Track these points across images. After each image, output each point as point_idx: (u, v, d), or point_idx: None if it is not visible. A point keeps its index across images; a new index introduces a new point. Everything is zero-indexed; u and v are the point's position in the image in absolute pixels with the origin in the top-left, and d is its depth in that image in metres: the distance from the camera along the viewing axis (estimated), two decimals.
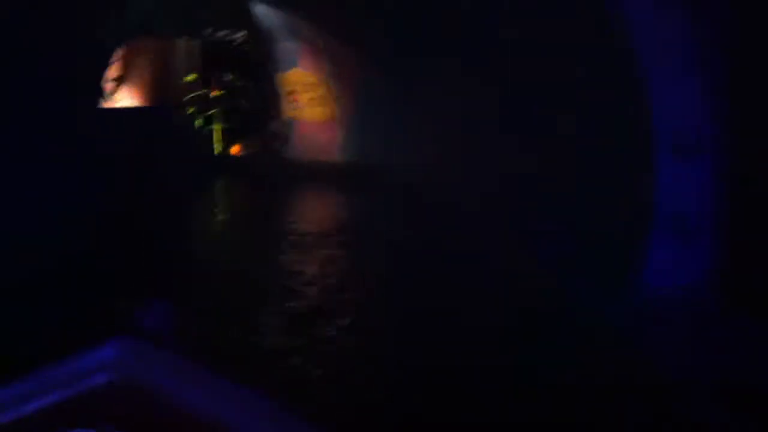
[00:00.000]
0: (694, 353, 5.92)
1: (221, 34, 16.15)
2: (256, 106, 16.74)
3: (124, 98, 19.16)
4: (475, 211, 10.58)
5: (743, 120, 6.88)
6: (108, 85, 19.09)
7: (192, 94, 17.37)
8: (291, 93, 16.17)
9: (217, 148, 17.43)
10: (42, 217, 8.76)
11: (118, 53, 18.97)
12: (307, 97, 15.96)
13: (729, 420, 4.79)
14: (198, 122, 17.42)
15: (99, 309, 5.73)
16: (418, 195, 12.17)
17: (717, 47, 6.99)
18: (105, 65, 11.34)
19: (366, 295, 7.50)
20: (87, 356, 1.92)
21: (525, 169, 9.79)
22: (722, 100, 7.06)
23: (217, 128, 17.39)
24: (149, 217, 11.20)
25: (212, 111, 17.34)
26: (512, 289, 7.36)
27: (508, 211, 9.71)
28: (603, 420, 4.65)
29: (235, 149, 17.63)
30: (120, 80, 19.02)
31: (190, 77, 17.35)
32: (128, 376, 1.89)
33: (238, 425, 1.86)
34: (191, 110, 17.46)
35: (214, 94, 17.29)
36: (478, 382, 5.13)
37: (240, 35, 16.07)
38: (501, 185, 10.17)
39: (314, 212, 13.02)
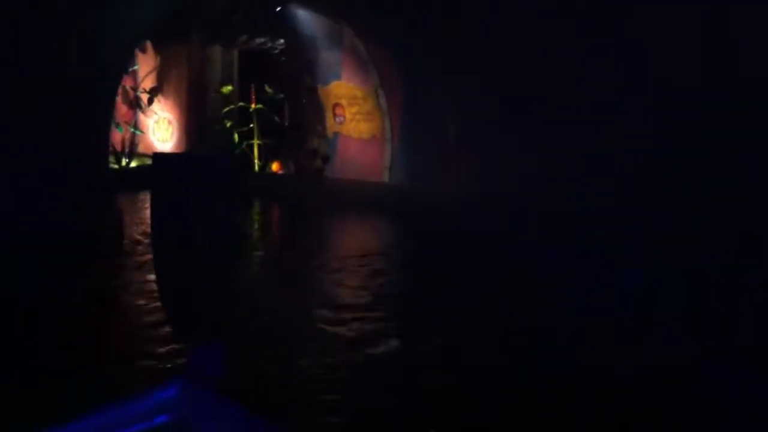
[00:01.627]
0: None
1: (258, 41, 14.69)
2: (296, 120, 15.25)
3: (160, 110, 18.00)
4: (548, 246, 8.76)
5: None
6: (143, 97, 17.98)
7: (228, 108, 15.98)
8: (334, 107, 14.63)
9: (256, 165, 16.01)
10: None
11: (155, 62, 17.85)
12: (352, 112, 14.38)
13: None
14: (235, 137, 16.04)
15: None
16: (473, 226, 10.47)
17: None
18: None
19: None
20: (147, 398, 1.98)
21: (627, 197, 8.09)
22: None
23: (255, 144, 15.99)
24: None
25: (250, 126, 15.93)
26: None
27: (598, 251, 7.92)
28: None
29: (275, 167, 16.18)
30: (155, 92, 17.86)
31: (226, 89, 15.98)
32: (186, 419, 1.93)
33: None
34: (228, 124, 16.09)
35: (253, 107, 15.87)
36: None
37: (278, 44, 14.60)
38: (588, 217, 8.35)
39: (357, 241, 11.36)
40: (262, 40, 14.50)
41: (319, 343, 5.83)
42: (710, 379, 5.14)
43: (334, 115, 14.67)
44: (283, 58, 14.68)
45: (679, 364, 5.29)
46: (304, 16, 13.55)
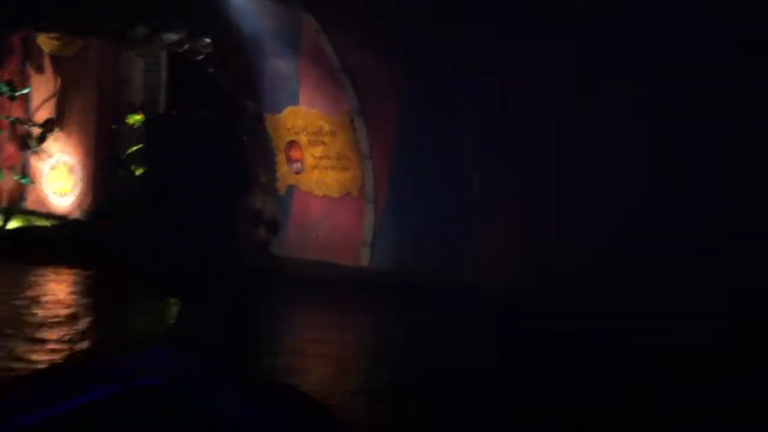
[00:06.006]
0: None
1: (168, 39, 9.52)
2: (234, 168, 10.06)
3: (59, 152, 12.96)
4: None
5: None
6: (35, 132, 13.00)
7: (137, 147, 10.87)
8: (289, 147, 9.56)
9: None
10: None
11: (54, 85, 12.97)
12: (315, 155, 9.37)
13: None
14: None
15: None
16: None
17: None
18: None
19: None
20: (134, 358, 2.07)
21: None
22: None
23: None
24: None
25: None
26: None
27: None
28: None
29: None
30: (50, 125, 12.87)
31: (133, 119, 10.89)
32: (172, 380, 1.95)
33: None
34: (138, 171, 10.93)
35: None
36: None
37: (202, 44, 9.51)
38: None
39: (324, 363, 6.20)
40: (173, 37, 9.35)
41: None
42: None
43: (289, 159, 9.60)
44: (210, 69, 9.56)
45: None
46: (240, 1, 8.50)
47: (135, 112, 11.04)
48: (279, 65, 9.14)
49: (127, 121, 10.91)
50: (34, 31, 11.53)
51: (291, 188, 9.67)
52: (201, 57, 9.60)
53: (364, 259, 8.91)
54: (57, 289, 8.83)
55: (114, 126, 11.00)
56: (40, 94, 13.06)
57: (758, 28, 5.84)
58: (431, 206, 8.21)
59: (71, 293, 8.80)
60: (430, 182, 8.18)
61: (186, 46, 9.50)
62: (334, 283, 8.59)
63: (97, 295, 8.61)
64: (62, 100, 12.87)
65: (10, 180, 12.77)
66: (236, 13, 8.82)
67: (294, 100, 9.27)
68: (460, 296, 7.36)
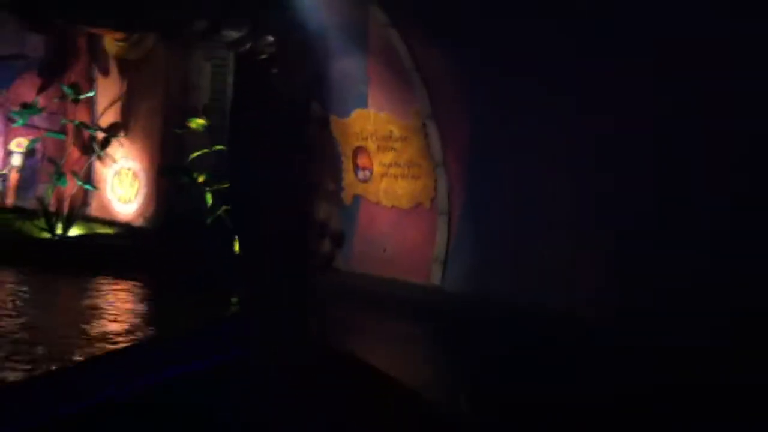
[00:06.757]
0: None
1: (231, 36, 8.91)
2: (296, 175, 9.43)
3: (123, 157, 12.64)
4: None
5: None
6: (99, 137, 12.72)
7: (199, 152, 10.37)
8: (356, 153, 8.86)
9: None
10: None
11: (120, 88, 12.67)
12: (385, 162, 8.62)
13: None
14: (208, 198, 10.37)
15: None
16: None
17: None
18: None
19: None
20: (216, 329, 2.70)
21: None
22: None
23: None
24: None
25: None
26: None
27: None
28: None
29: None
30: (114, 130, 12.56)
31: (195, 123, 10.38)
32: (254, 351, 2.08)
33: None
34: (201, 179, 10.43)
35: None
36: None
37: (265, 43, 8.88)
38: None
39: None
40: (234, 34, 8.74)
41: None
42: None
43: (356, 166, 8.86)
44: (274, 70, 8.94)
45: None
46: None
47: (198, 116, 10.55)
48: (346, 64, 8.41)
49: (189, 125, 10.42)
50: (86, 25, 11.20)
51: (357, 198, 8.92)
52: (265, 56, 9.01)
53: (436, 278, 8.06)
54: (114, 300, 8.36)
55: (176, 131, 10.52)
56: (106, 98, 12.71)
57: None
58: (513, 219, 7.35)
59: (128, 304, 8.34)
60: (512, 192, 7.32)
61: (249, 45, 8.90)
62: (399, 302, 7.80)
63: (155, 306, 8.24)
64: (127, 104, 12.48)
65: (74, 186, 12.49)
66: (300, 8, 8.19)
67: (362, 103, 8.54)
68: (546, 326, 6.49)
